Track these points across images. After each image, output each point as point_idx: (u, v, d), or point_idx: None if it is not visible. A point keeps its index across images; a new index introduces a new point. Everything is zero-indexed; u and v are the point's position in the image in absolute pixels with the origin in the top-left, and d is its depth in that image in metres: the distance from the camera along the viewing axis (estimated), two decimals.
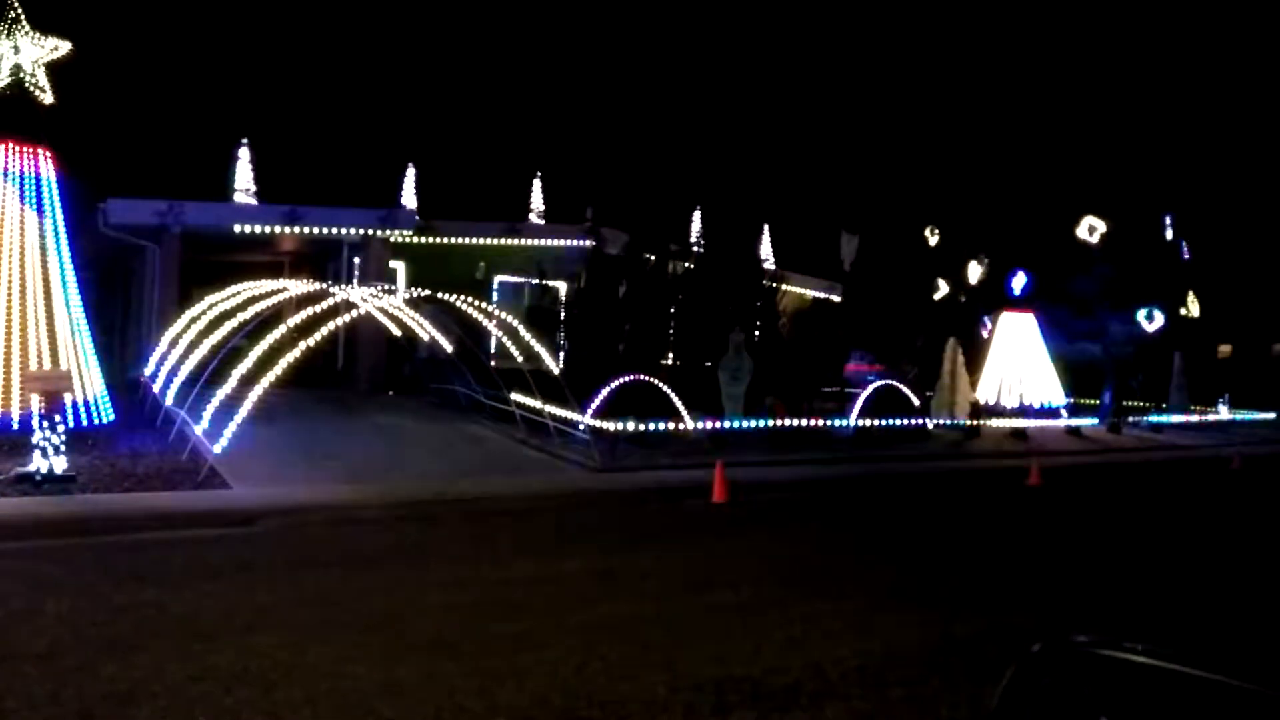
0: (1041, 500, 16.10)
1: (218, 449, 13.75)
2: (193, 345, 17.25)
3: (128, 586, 8.04)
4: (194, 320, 18.49)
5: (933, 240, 33.39)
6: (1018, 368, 31.22)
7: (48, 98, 16.36)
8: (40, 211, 16.10)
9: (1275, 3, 52.28)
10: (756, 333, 26.92)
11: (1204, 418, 32.13)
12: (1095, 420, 29.48)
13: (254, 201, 26.59)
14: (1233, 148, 46.13)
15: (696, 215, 35.47)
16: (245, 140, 27.18)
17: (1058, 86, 52.62)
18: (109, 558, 9.26)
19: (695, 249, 32.37)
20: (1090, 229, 34.41)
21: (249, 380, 14.33)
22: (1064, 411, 30.30)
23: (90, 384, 16.64)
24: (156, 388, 18.46)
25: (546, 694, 5.72)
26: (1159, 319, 33.87)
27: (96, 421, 16.42)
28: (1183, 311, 36.26)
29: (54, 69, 16.55)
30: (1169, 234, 37.88)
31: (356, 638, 6.77)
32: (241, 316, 16.70)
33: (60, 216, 16.59)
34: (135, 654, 6.23)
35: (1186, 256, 37.59)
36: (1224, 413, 33.56)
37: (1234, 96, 49.97)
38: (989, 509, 15.09)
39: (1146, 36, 54.37)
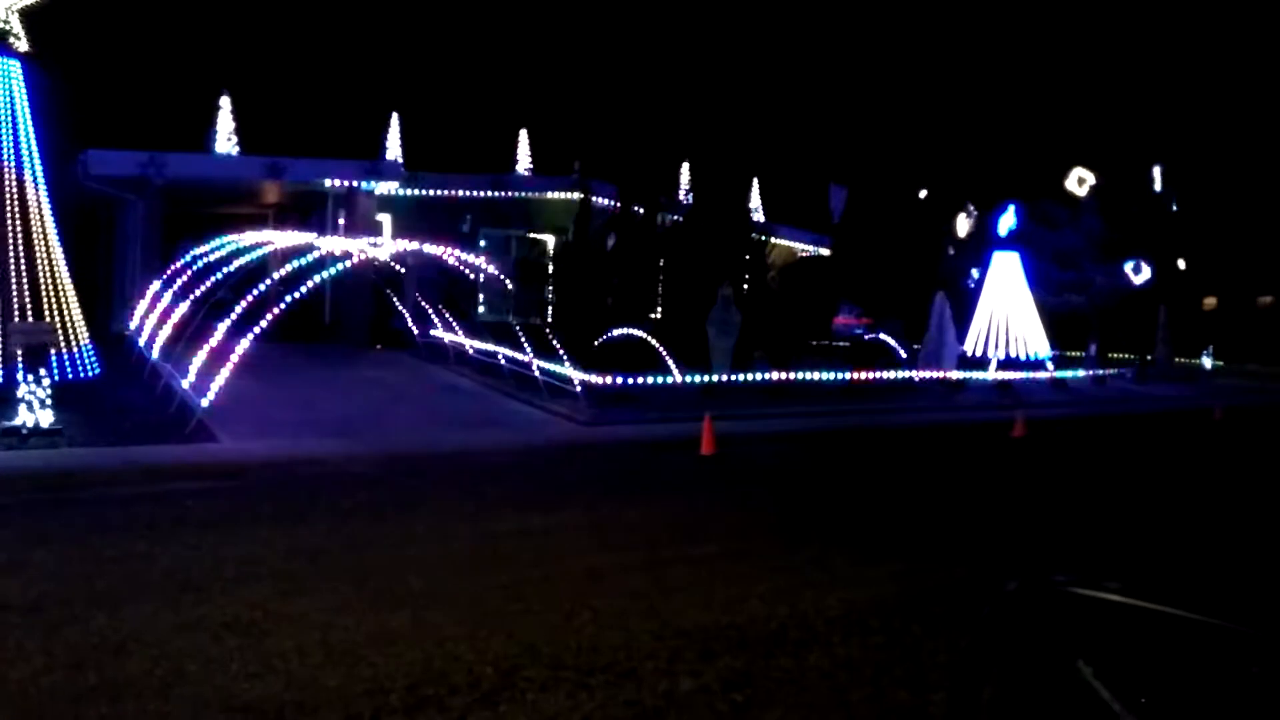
0: (1026, 452, 16.25)
1: (205, 402, 13.70)
2: (178, 298, 17.13)
3: (116, 539, 8.05)
4: (178, 273, 18.34)
5: (922, 193, 33.28)
6: (1005, 317, 31.31)
7: (23, 45, 16.03)
8: (14, 127, 15.72)
9: None
10: (745, 286, 26.89)
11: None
12: (1080, 372, 29.68)
13: (237, 153, 26.25)
14: (1219, 101, 45.99)
15: (685, 168, 35.25)
16: (227, 91, 26.79)
17: (1047, 38, 52.15)
18: (96, 511, 9.26)
19: (684, 202, 32.21)
20: (1079, 180, 34.37)
21: (235, 333, 14.24)
22: (1049, 364, 30.49)
23: (75, 337, 16.53)
24: (142, 341, 18.36)
25: (535, 643, 5.78)
26: (1146, 271, 34.01)
27: (82, 375, 16.34)
28: (1169, 264, 36.40)
29: (29, 16, 16.20)
30: (1158, 186, 37.87)
31: (346, 589, 6.81)
32: (226, 269, 16.56)
33: (31, 130, 16.19)
34: (124, 606, 6.25)
35: (1175, 209, 37.63)
36: (1207, 364, 33.87)
37: (1222, 50, 49.66)
38: (974, 461, 15.23)
39: None
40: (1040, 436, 17.83)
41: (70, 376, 15.79)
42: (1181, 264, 37.33)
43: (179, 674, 5.19)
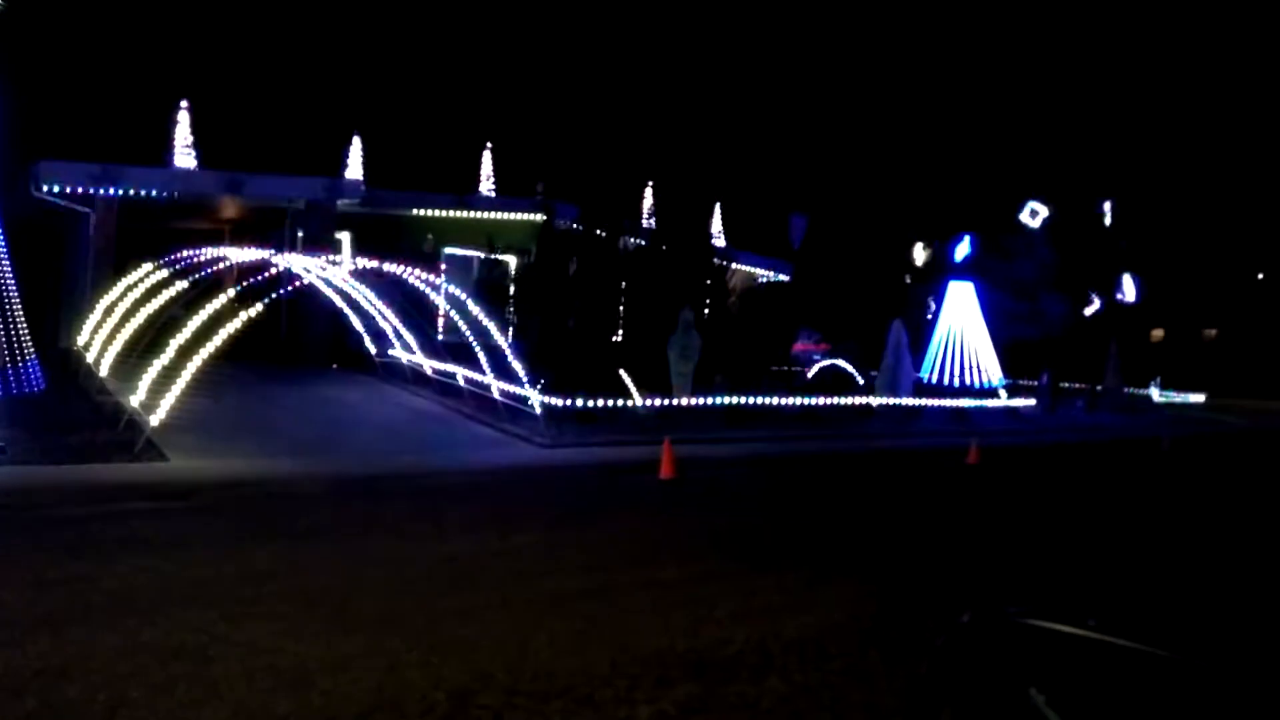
0: (979, 479, 16.45)
1: (155, 421, 13.43)
2: (129, 314, 16.82)
3: (59, 561, 7.83)
4: (130, 288, 18.02)
5: (880, 223, 33.78)
6: (960, 345, 31.77)
7: None
8: None
9: None
10: (706, 311, 27.03)
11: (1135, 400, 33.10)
12: (1033, 401, 30.17)
13: (194, 166, 25.90)
14: (1169, 137, 47.26)
15: (648, 192, 35.43)
16: (185, 103, 26.42)
17: (1003, 73, 53.34)
18: (39, 531, 9.01)
19: (647, 225, 32.36)
20: (1033, 213, 35.10)
21: (188, 351, 14.01)
22: (1003, 392, 30.96)
23: (21, 351, 16.14)
24: (91, 358, 17.97)
25: (490, 669, 5.70)
26: (1096, 303, 34.75)
27: (27, 390, 15.95)
28: (1119, 296, 37.22)
29: None
30: (1108, 220, 38.78)
31: (297, 612, 6.68)
32: (180, 285, 16.30)
33: None
34: (67, 629, 6.07)
35: (1123, 244, 38.58)
36: (1155, 395, 34.59)
37: (1172, 87, 51.14)
38: (928, 487, 15.38)
39: (1088, 26, 55.34)
40: (994, 463, 18.06)
41: (15, 392, 15.39)
42: (1131, 295, 38.18)
43: (122, 700, 5.04)
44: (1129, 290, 38.04)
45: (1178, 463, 20.52)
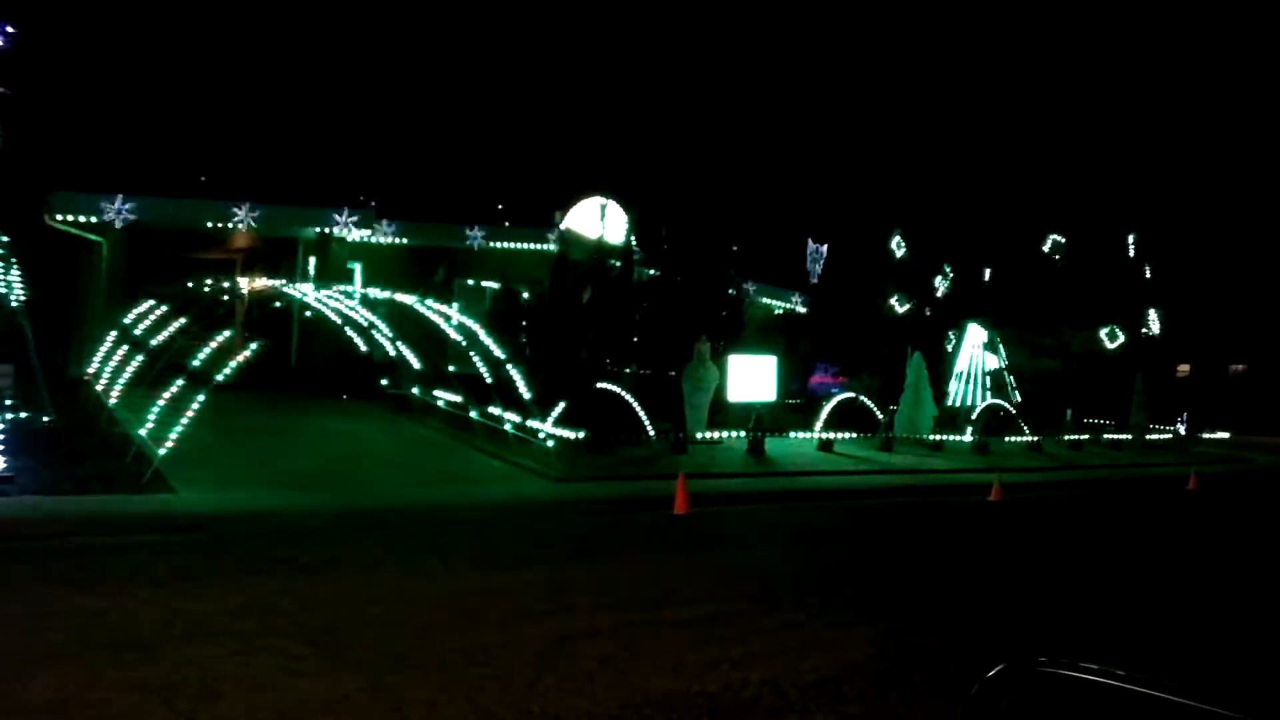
0: (1002, 516, 16.09)
1: (163, 451, 13.31)
2: (139, 344, 16.77)
3: (63, 593, 7.71)
4: (141, 318, 17.99)
5: (899, 253, 33.56)
6: (981, 379, 31.40)
7: None
8: None
9: (1244, 27, 53.53)
10: (722, 343, 26.83)
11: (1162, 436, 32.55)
12: (1057, 436, 29.69)
13: (206, 196, 26.03)
14: (1195, 168, 47.03)
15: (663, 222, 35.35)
16: (197, 134, 26.67)
17: (1025, 102, 53.40)
18: (46, 563, 8.91)
19: (661, 256, 32.24)
20: (1054, 245, 34.84)
21: (197, 381, 13.92)
22: (1025, 427, 30.49)
23: (31, 382, 16.10)
24: (100, 387, 17.92)
25: (498, 710, 5.49)
26: (1120, 337, 34.33)
27: (37, 420, 15.88)
28: (1144, 330, 36.79)
29: None
30: (1132, 253, 38.45)
31: (301, 649, 6.50)
32: (190, 314, 16.27)
33: None
34: (67, 663, 5.95)
35: (1148, 275, 38.20)
36: (1181, 432, 34.03)
37: (1199, 118, 51.00)
38: (950, 524, 15.05)
39: (1114, 55, 55.40)
40: (1016, 501, 17.69)
41: (26, 422, 15.33)
42: (1156, 329, 37.71)
43: None
44: (1153, 323, 37.58)
45: (1205, 502, 20.06)
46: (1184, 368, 45.29)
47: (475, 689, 5.82)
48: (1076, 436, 29.93)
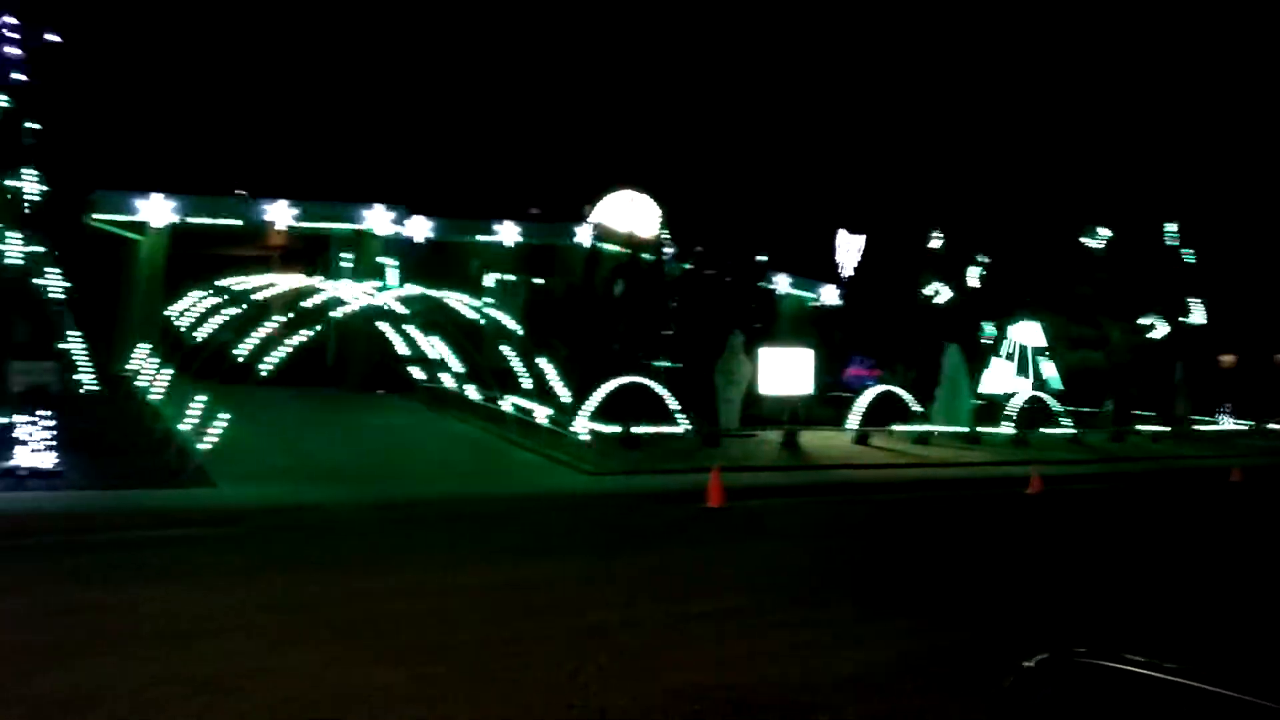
0: (1041, 510, 15.83)
1: (203, 446, 13.47)
2: (179, 340, 16.99)
3: (100, 585, 7.80)
4: (181, 314, 18.22)
5: (935, 244, 33.16)
6: (1020, 371, 30.96)
7: None
8: None
9: None
10: (756, 335, 26.70)
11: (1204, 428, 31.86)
12: (1098, 428, 29.19)
13: (244, 194, 26.33)
14: (1238, 157, 45.94)
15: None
16: (232, 133, 26.99)
17: (1064, 91, 52.48)
18: (88, 555, 9.04)
19: (695, 249, 32.13)
20: (1094, 234, 34.26)
21: (236, 376, 14.07)
22: (1066, 418, 30.00)
23: (76, 378, 16.37)
24: (142, 382, 18.18)
25: (537, 702, 5.46)
26: (1162, 327, 33.68)
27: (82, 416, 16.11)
28: (1185, 320, 36.05)
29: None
30: (1174, 242, 37.73)
31: (338, 641, 6.51)
32: (229, 311, 16.44)
33: None
34: (102, 656, 5.97)
35: (1190, 263, 37.44)
36: (1226, 423, 33.30)
37: (1241, 106, 49.84)
38: (987, 518, 14.82)
39: (1157, 44, 54.29)
40: (1056, 494, 17.40)
41: (71, 417, 15.57)
42: (1199, 319, 36.92)
43: None
44: (1195, 313, 36.80)
45: (1248, 494, 19.61)
46: (1228, 358, 44.25)
47: (513, 680, 5.79)
48: (1117, 428, 29.41)
